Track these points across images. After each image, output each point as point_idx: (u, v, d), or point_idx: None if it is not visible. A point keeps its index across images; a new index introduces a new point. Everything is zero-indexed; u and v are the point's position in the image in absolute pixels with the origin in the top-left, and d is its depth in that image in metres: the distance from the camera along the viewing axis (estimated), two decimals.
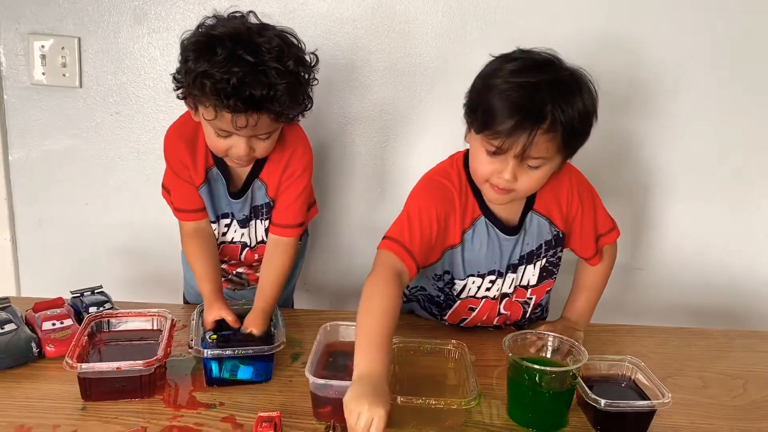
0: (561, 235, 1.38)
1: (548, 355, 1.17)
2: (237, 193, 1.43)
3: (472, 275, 1.37)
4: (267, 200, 1.44)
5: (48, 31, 1.71)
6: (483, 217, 1.32)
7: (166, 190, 1.45)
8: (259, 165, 1.41)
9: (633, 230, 1.89)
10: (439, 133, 1.71)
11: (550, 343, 1.17)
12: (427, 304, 1.49)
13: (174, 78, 1.28)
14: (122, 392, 1.11)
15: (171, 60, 1.71)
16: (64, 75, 1.73)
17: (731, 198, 1.86)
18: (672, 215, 1.88)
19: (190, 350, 1.18)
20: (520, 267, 1.37)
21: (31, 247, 1.89)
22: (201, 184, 1.41)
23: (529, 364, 1.07)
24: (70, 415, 1.08)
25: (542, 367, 1.07)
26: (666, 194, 1.86)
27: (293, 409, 1.12)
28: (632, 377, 1.18)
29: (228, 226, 1.48)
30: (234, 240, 1.51)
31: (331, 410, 1.08)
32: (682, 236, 1.90)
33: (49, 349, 1.23)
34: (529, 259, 1.37)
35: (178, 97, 1.29)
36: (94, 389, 1.11)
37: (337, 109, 1.77)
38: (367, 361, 1.06)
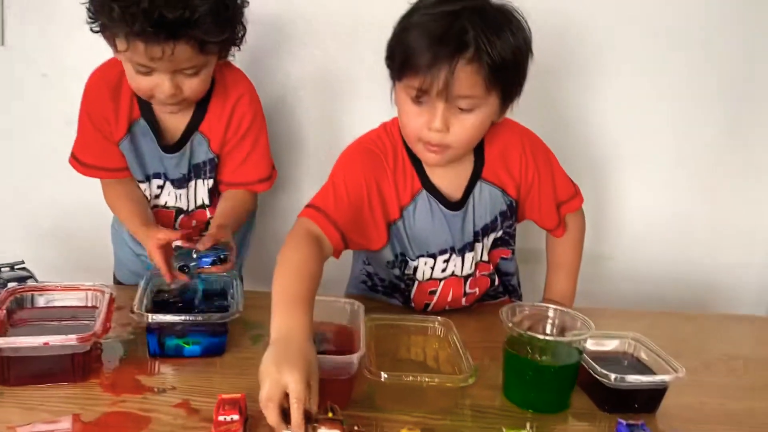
0: (515, 205, 1.26)
1: (547, 330, 1.04)
2: (171, 148, 1.27)
3: (422, 255, 1.24)
4: (210, 156, 1.29)
5: None
6: (424, 191, 1.20)
7: (75, 157, 1.32)
8: (198, 116, 1.26)
9: (593, 218, 1.81)
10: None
11: (550, 315, 1.04)
12: (390, 292, 1.35)
13: (88, 9, 1.13)
14: (49, 375, 0.93)
15: None
16: None
17: (696, 186, 1.81)
18: (633, 201, 1.82)
19: (132, 314, 1.01)
20: (477, 244, 1.25)
21: None
22: (122, 138, 1.25)
23: (534, 334, 0.95)
24: None
25: (549, 337, 0.95)
26: (625, 179, 1.80)
27: (257, 392, 0.95)
28: (634, 354, 1.07)
29: (161, 187, 1.32)
30: (167, 204, 1.34)
31: None
32: (644, 224, 1.84)
33: None
34: (484, 233, 1.26)
35: (92, 30, 1.13)
36: (13, 371, 0.91)
37: (279, 76, 1.62)
38: (282, 320, 0.91)
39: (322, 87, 1.64)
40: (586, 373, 0.98)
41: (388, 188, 1.19)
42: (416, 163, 1.19)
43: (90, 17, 1.13)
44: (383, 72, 1.57)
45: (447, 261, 1.25)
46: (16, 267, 1.21)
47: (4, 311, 0.99)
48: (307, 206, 1.15)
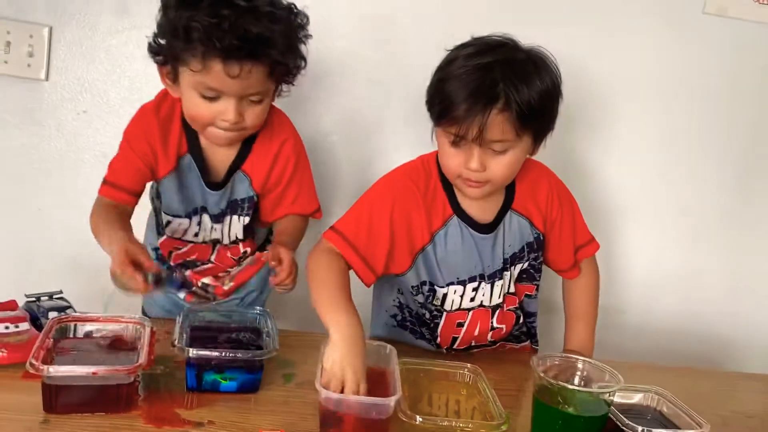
0: (542, 238, 1.33)
1: (575, 381, 1.07)
2: (216, 185, 1.30)
3: (452, 283, 1.29)
4: (250, 194, 1.32)
5: (16, 16, 1.56)
6: (455, 216, 1.27)
7: (107, 182, 1.28)
8: (242, 154, 1.29)
9: (605, 271, 1.84)
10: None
11: (579, 366, 1.07)
12: (417, 328, 1.38)
13: (151, 43, 1.16)
14: (94, 404, 0.95)
15: (151, 59, 1.60)
16: (28, 65, 1.59)
17: (707, 239, 1.86)
18: (645, 255, 1.86)
19: (173, 348, 1.03)
20: (505, 273, 1.31)
21: None
22: (169, 172, 1.27)
23: (565, 384, 0.97)
24: (30, 429, 0.90)
25: (580, 388, 0.98)
26: (637, 232, 1.85)
27: (294, 429, 0.97)
28: (657, 409, 1.10)
29: (200, 223, 1.34)
30: (205, 240, 1.37)
31: (342, 430, 0.94)
32: (656, 278, 1.88)
33: (1, 354, 1.04)
34: (512, 262, 1.31)
35: (156, 62, 1.17)
36: (61, 399, 0.93)
37: (313, 121, 1.67)
38: (345, 319, 1.05)
39: (353, 133, 1.71)
40: (612, 424, 1.00)
41: (418, 216, 1.25)
42: (449, 192, 1.27)
43: (155, 47, 1.15)
44: (408, 120, 1.66)
45: (476, 289, 1.30)
46: (54, 296, 1.23)
47: (51, 340, 1.01)
48: (331, 228, 1.25)
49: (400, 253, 1.26)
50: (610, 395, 0.99)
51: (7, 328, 1.09)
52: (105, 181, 1.28)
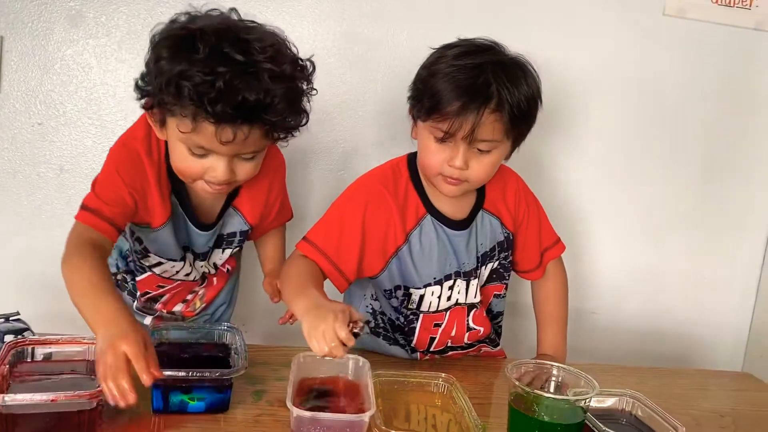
0: (511, 238, 1.35)
1: (550, 388, 1.06)
2: (207, 225, 1.22)
3: (429, 284, 1.28)
4: (244, 228, 1.27)
5: None
6: (429, 215, 1.27)
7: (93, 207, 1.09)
8: (234, 191, 1.22)
9: (575, 273, 1.84)
10: None
11: (554, 373, 1.07)
12: (390, 334, 1.36)
13: (138, 83, 1.05)
14: None
15: (108, 69, 1.57)
16: None
17: (675, 241, 1.88)
18: (613, 257, 1.88)
19: None
20: (477, 271, 1.31)
21: None
22: (165, 222, 1.15)
23: (540, 393, 0.96)
24: None
25: (556, 396, 0.97)
26: (605, 234, 1.86)
27: None
28: (632, 413, 1.10)
29: (191, 264, 1.28)
30: (196, 278, 1.32)
31: None
32: (625, 279, 1.89)
33: None
34: (483, 261, 1.32)
35: (142, 107, 1.06)
36: (18, 429, 0.89)
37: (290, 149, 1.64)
38: (305, 299, 1.04)
39: (329, 158, 1.70)
40: (589, 431, 1.00)
41: (391, 218, 1.24)
42: (420, 192, 1.27)
43: (142, 91, 1.05)
44: (382, 146, 1.67)
45: (452, 288, 1.30)
46: (11, 318, 1.18)
47: (7, 366, 0.97)
48: (304, 238, 1.24)
49: (372, 257, 1.24)
50: (586, 402, 0.98)
51: None
52: (86, 208, 1.09)
